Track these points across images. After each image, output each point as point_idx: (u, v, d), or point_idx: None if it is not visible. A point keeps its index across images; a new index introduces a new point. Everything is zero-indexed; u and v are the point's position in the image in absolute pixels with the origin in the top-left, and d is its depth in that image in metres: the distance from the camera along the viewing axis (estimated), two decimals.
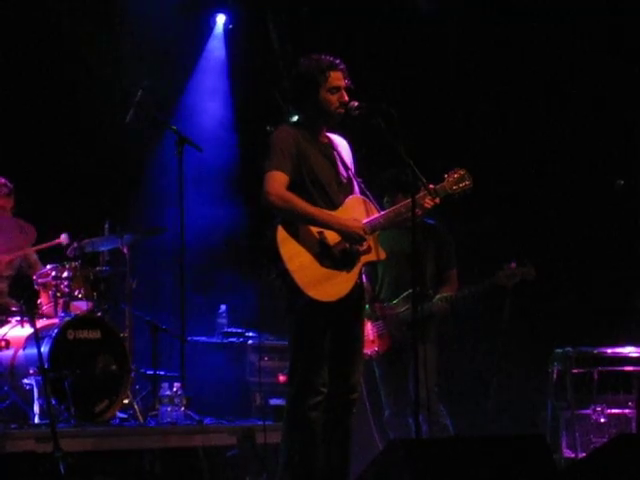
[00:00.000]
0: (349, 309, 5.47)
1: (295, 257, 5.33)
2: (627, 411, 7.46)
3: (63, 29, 8.71)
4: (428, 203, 5.59)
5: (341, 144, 5.69)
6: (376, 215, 5.57)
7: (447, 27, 9.05)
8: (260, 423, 6.59)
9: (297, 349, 5.45)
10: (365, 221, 5.50)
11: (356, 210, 5.54)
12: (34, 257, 7.73)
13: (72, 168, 8.50)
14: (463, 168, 5.74)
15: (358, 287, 5.52)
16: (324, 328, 5.40)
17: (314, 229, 5.39)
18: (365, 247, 5.47)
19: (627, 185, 7.46)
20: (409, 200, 5.55)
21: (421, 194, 5.58)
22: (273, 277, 5.39)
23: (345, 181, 5.59)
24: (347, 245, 5.42)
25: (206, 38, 9.70)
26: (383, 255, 5.61)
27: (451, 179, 5.69)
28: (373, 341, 6.84)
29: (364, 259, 5.50)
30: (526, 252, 7.12)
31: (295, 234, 5.36)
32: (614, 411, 7.48)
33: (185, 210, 7.56)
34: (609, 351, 7.47)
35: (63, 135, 8.70)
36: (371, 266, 5.92)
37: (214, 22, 9.70)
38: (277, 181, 5.36)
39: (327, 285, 5.35)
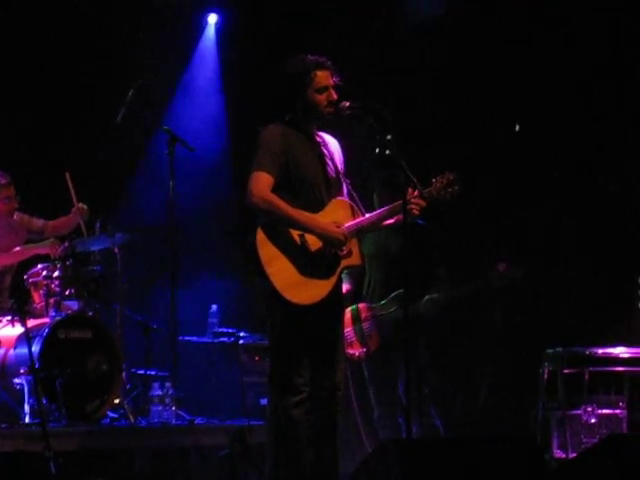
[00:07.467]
0: (328, 311, 5.45)
1: (274, 260, 5.32)
2: (618, 411, 7.45)
3: (52, 28, 8.70)
4: (414, 209, 5.52)
5: (332, 143, 5.67)
6: (359, 219, 5.53)
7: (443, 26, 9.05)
8: (252, 423, 6.62)
9: (276, 350, 5.45)
10: (347, 225, 5.47)
11: (340, 213, 5.51)
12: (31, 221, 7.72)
13: (63, 168, 8.48)
14: (453, 172, 5.63)
15: (337, 290, 5.50)
16: (303, 330, 5.39)
17: (295, 232, 5.37)
18: (345, 251, 5.46)
19: (621, 186, 7.48)
20: (394, 205, 5.53)
21: (410, 197, 5.47)
22: (252, 278, 5.38)
23: (333, 180, 5.57)
24: (327, 249, 5.40)
25: (198, 37, 9.70)
26: (362, 260, 5.60)
27: (439, 184, 5.60)
28: (361, 342, 6.83)
29: (344, 263, 5.48)
30: (517, 253, 7.12)
31: (275, 236, 5.35)
32: (605, 411, 7.46)
33: (176, 209, 7.56)
34: (600, 351, 7.45)
35: (54, 134, 8.69)
36: (357, 267, 5.88)
37: (206, 21, 9.71)
38: (261, 182, 5.34)
39: (305, 288, 5.34)
